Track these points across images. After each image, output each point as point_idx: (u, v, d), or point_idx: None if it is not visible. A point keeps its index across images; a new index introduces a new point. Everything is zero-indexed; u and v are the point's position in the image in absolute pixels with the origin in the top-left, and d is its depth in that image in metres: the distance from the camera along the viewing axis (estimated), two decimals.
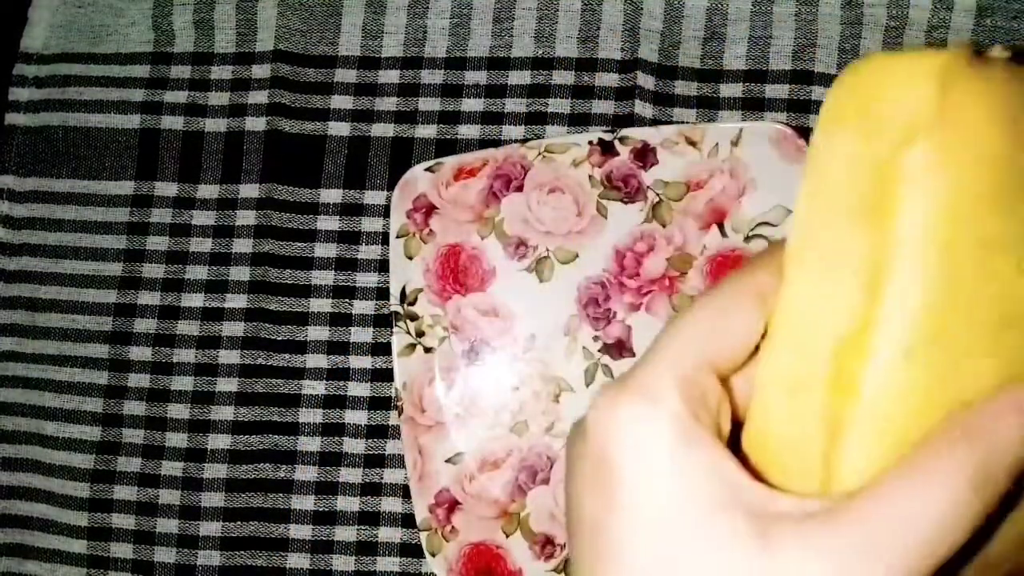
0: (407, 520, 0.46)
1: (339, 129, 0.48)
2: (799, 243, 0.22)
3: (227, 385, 0.47)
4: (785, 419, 0.22)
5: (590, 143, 0.46)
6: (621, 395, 0.22)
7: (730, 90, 0.47)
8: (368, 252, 0.48)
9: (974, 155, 0.20)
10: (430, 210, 0.46)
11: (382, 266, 0.47)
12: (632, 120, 0.47)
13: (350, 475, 0.47)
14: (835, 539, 0.20)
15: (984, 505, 0.20)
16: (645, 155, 0.45)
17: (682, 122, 0.47)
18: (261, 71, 0.49)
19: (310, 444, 0.47)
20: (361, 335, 0.47)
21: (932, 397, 0.20)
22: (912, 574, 0.19)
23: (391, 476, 0.47)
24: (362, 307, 0.47)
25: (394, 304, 0.46)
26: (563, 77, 0.48)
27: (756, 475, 0.23)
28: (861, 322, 0.20)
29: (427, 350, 0.46)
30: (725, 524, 0.20)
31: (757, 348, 0.24)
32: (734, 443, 0.24)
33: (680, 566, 0.20)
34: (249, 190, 0.48)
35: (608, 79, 0.47)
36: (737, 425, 0.24)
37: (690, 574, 0.20)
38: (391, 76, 0.48)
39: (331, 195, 0.48)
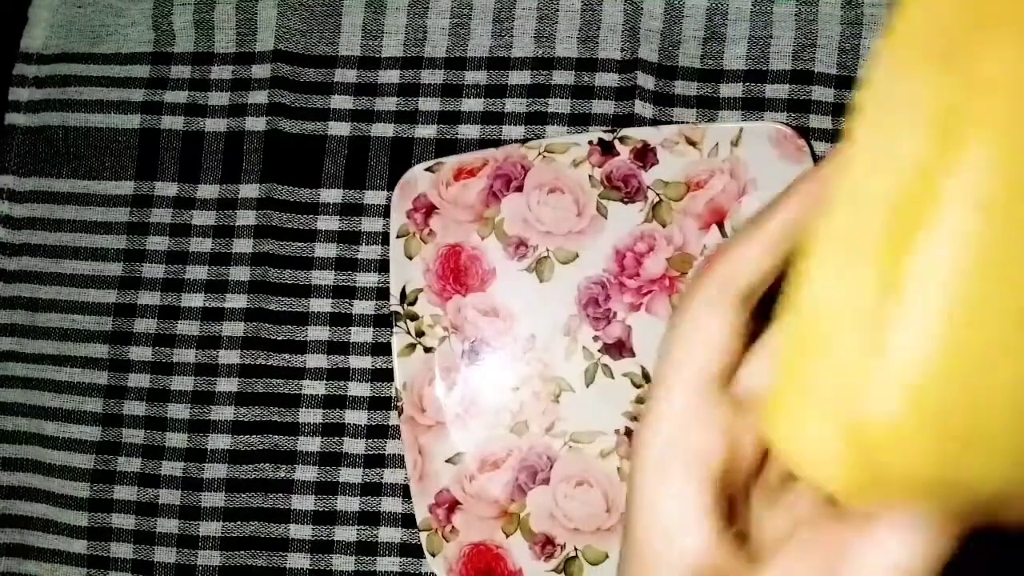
0: (407, 520, 0.46)
1: (339, 129, 0.48)
2: (868, 97, 0.19)
3: (227, 385, 0.47)
4: (836, 285, 0.20)
5: (590, 143, 0.46)
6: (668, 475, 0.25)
7: (730, 90, 0.47)
8: (368, 252, 0.48)
9: None
10: (430, 210, 0.46)
11: (382, 266, 0.47)
12: (632, 120, 0.47)
13: (350, 475, 0.47)
14: None
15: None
16: (645, 155, 0.45)
17: (682, 122, 0.47)
18: (261, 71, 0.49)
19: (310, 444, 0.47)
20: (361, 335, 0.47)
21: (1000, 260, 0.18)
22: None
23: (391, 476, 0.47)
24: (362, 307, 0.47)
25: (394, 304, 0.46)
26: (563, 77, 0.48)
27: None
28: (931, 175, 0.18)
29: (427, 350, 0.46)
30: None
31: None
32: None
33: None
34: (249, 190, 0.48)
35: (608, 79, 0.47)
36: None
37: None
38: (391, 76, 0.48)
39: (331, 195, 0.48)
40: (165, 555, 0.47)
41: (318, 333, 0.47)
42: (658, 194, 0.45)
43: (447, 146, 0.48)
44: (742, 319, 0.27)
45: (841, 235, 0.19)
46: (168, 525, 0.47)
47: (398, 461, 0.47)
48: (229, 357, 0.48)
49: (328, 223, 0.48)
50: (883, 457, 0.19)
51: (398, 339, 0.46)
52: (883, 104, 0.19)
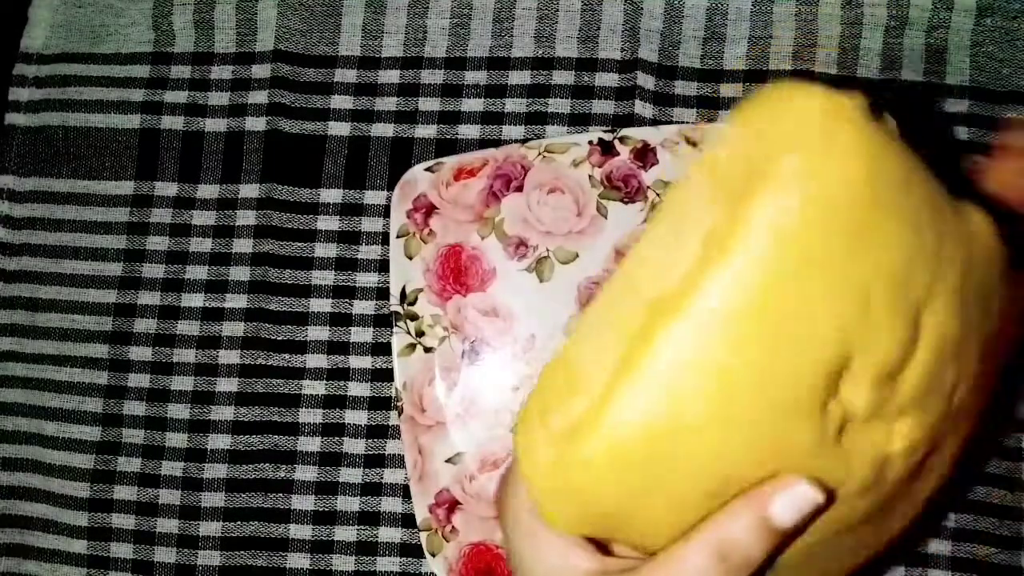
0: (407, 520, 0.46)
1: (339, 129, 0.48)
2: (667, 202, 0.25)
3: (227, 385, 0.47)
4: (592, 345, 0.24)
5: (590, 143, 0.46)
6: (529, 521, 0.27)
7: (730, 90, 0.47)
8: (368, 252, 0.48)
9: (838, 179, 0.22)
10: (430, 210, 0.46)
11: (382, 266, 0.47)
12: (632, 120, 0.47)
13: (350, 475, 0.47)
14: None
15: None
16: (645, 155, 0.45)
17: (682, 122, 0.47)
18: (261, 71, 0.49)
19: (310, 444, 0.47)
20: (361, 335, 0.47)
21: (718, 374, 0.22)
22: None
23: (391, 476, 0.47)
24: (362, 307, 0.47)
25: (394, 304, 0.46)
26: (563, 77, 0.48)
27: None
28: (688, 276, 0.22)
29: (427, 350, 0.46)
30: None
31: None
32: None
33: None
34: (249, 190, 0.48)
35: (608, 79, 0.47)
36: None
37: None
38: (391, 76, 0.48)
39: (331, 195, 0.48)
40: (165, 555, 0.47)
41: (318, 333, 0.47)
42: (658, 194, 0.45)
43: (447, 146, 0.48)
44: None
45: (610, 306, 0.24)
46: (168, 525, 0.47)
47: (398, 461, 0.46)
48: (229, 357, 0.48)
49: (328, 223, 0.48)
50: (576, 482, 0.24)
51: (398, 339, 0.46)
52: (674, 215, 0.24)
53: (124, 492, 0.47)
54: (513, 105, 0.48)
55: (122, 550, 0.47)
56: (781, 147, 0.22)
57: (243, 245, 0.48)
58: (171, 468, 0.47)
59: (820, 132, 0.22)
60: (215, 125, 0.49)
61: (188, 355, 0.48)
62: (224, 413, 0.47)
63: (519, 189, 0.46)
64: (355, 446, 0.47)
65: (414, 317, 0.46)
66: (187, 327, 0.48)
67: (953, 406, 0.26)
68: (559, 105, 0.47)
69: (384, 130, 0.48)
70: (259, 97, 0.49)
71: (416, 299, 0.46)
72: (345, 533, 0.46)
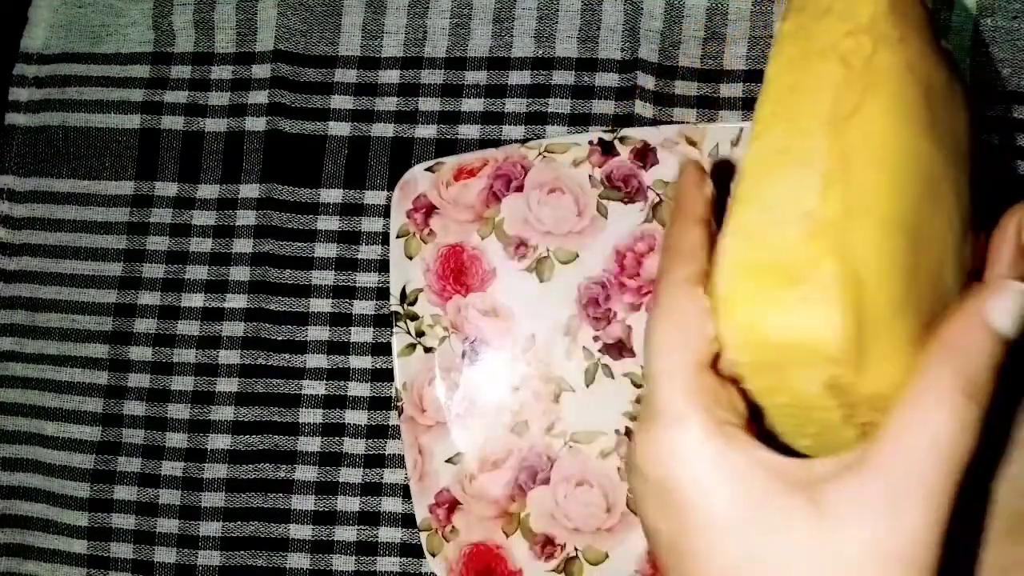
0: (407, 520, 0.46)
1: (339, 129, 0.48)
2: (764, 131, 0.25)
3: (227, 385, 0.47)
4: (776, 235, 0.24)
5: (590, 143, 0.46)
6: (658, 434, 0.24)
7: (730, 90, 0.47)
8: (368, 252, 0.48)
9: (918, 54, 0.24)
10: (430, 210, 0.46)
11: (382, 266, 0.47)
12: (632, 120, 0.47)
13: (350, 475, 0.47)
14: (874, 484, 0.22)
15: (980, 407, 0.22)
16: (645, 155, 0.45)
17: (682, 122, 0.47)
18: (261, 71, 0.49)
19: (310, 444, 0.47)
20: (361, 335, 0.47)
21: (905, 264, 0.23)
22: (946, 488, 0.22)
23: (391, 476, 0.47)
24: (362, 307, 0.47)
25: (394, 304, 0.46)
26: (563, 77, 0.48)
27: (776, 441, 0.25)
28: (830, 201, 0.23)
29: (427, 350, 0.46)
30: (780, 507, 0.23)
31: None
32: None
33: (758, 558, 0.23)
34: (249, 190, 0.48)
35: (608, 79, 0.47)
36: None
37: (769, 561, 0.23)
38: (391, 76, 0.48)
39: (331, 195, 0.48)
40: (165, 555, 0.47)
41: (318, 333, 0.47)
42: (658, 194, 0.45)
43: (447, 146, 0.48)
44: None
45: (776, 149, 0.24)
46: (168, 525, 0.47)
47: (398, 461, 0.46)
48: (229, 357, 0.48)
49: (328, 223, 0.48)
50: (870, 292, 0.22)
51: (398, 339, 0.46)
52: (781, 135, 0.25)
53: (124, 492, 0.47)
54: (513, 105, 0.48)
55: (122, 550, 0.47)
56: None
57: (243, 245, 0.48)
58: (171, 468, 0.47)
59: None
60: (215, 125, 0.49)
61: (188, 355, 0.48)
62: (224, 413, 0.47)
63: (519, 189, 0.46)
64: (355, 446, 0.47)
65: (414, 317, 0.46)
66: (187, 327, 0.48)
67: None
68: (559, 105, 0.47)
69: (384, 130, 0.48)
70: (259, 97, 0.49)
71: (416, 299, 0.46)
72: (345, 533, 0.46)
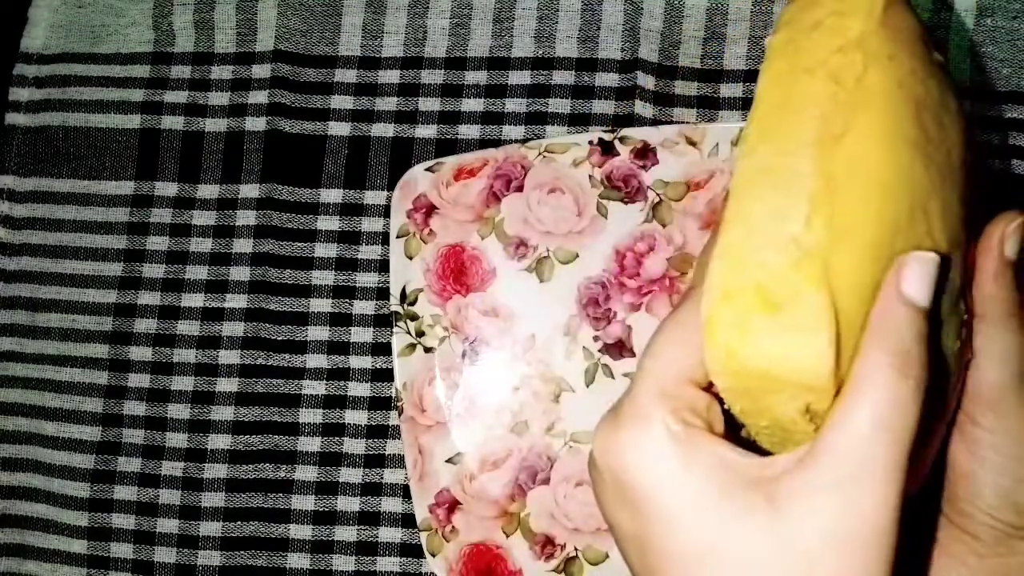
0: (407, 520, 0.46)
1: (339, 129, 0.48)
2: (749, 165, 0.24)
3: (227, 385, 0.47)
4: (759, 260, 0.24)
5: (590, 143, 0.46)
6: (618, 427, 0.25)
7: (730, 90, 0.47)
8: (368, 252, 0.48)
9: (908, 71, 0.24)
10: (430, 210, 0.46)
11: (382, 266, 0.47)
12: (632, 120, 0.47)
13: (350, 475, 0.47)
14: (824, 472, 0.23)
15: (914, 379, 0.23)
16: (645, 155, 0.45)
17: (682, 122, 0.47)
18: (261, 71, 0.49)
19: (310, 444, 0.47)
20: (361, 335, 0.47)
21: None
22: (894, 465, 0.22)
23: (391, 476, 0.47)
24: (362, 307, 0.47)
25: (394, 304, 0.46)
26: (563, 77, 0.48)
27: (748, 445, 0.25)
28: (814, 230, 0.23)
29: (427, 350, 0.46)
30: (739, 503, 0.23)
31: None
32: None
33: (718, 551, 0.23)
34: (249, 190, 0.48)
35: (608, 79, 0.47)
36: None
37: (728, 555, 0.23)
38: (391, 76, 0.48)
39: (331, 195, 0.48)
40: (165, 555, 0.47)
41: (318, 333, 0.47)
42: (658, 194, 0.45)
43: (447, 146, 0.48)
44: None
45: (763, 171, 0.24)
46: (168, 525, 0.47)
47: (398, 461, 0.46)
48: (229, 357, 0.48)
49: (328, 223, 0.48)
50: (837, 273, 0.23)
51: (398, 339, 0.46)
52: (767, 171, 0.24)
53: (124, 492, 0.47)
54: (513, 105, 0.48)
55: (122, 550, 0.47)
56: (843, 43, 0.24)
57: (243, 245, 0.48)
58: (171, 468, 0.47)
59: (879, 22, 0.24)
60: (215, 125, 0.49)
61: (188, 355, 0.48)
62: (224, 413, 0.47)
63: (519, 189, 0.46)
64: (355, 446, 0.47)
65: (414, 317, 0.46)
66: (187, 327, 0.48)
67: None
68: (559, 105, 0.47)
69: (384, 130, 0.48)
70: (259, 97, 0.49)
71: (416, 299, 0.46)
72: (345, 533, 0.46)
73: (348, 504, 0.47)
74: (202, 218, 0.48)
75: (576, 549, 0.45)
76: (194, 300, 0.48)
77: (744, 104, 0.47)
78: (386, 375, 0.47)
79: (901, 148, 0.24)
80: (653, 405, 0.24)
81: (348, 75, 0.49)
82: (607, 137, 0.45)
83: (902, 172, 0.24)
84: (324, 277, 0.48)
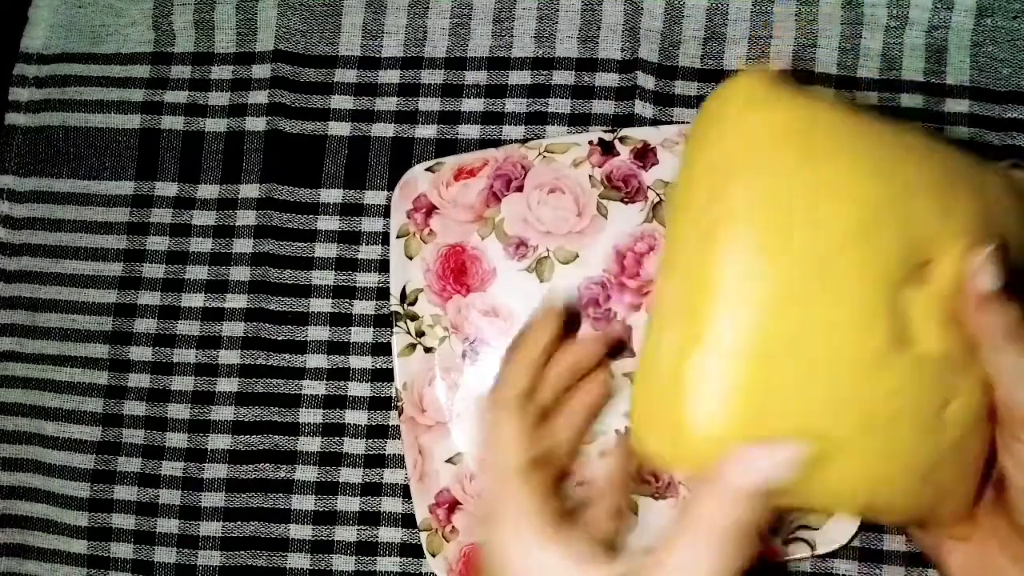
0: (407, 520, 0.46)
1: (339, 129, 0.48)
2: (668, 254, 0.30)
3: (227, 385, 0.47)
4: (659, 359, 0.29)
5: (590, 143, 0.46)
6: (485, 526, 0.32)
7: None
8: (368, 252, 0.48)
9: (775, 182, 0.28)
10: (430, 210, 0.46)
11: (382, 266, 0.47)
12: (632, 120, 0.47)
13: (350, 475, 0.47)
14: None
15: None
16: (645, 155, 0.45)
17: (682, 122, 0.47)
18: (261, 71, 0.49)
19: (310, 444, 0.47)
20: (361, 335, 0.47)
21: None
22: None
23: (391, 476, 0.47)
24: (362, 307, 0.47)
25: (394, 304, 0.46)
26: (563, 77, 0.48)
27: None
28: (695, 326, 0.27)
29: (427, 350, 0.46)
30: None
31: None
32: None
33: None
34: (249, 190, 0.48)
35: (608, 79, 0.47)
36: None
37: None
38: (391, 76, 0.48)
39: (331, 195, 0.48)
40: (165, 555, 0.47)
41: (318, 333, 0.47)
42: (658, 194, 0.45)
43: (447, 146, 0.48)
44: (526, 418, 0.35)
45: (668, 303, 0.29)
46: (168, 525, 0.47)
47: (398, 461, 0.46)
48: (229, 357, 0.48)
49: (328, 223, 0.48)
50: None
51: (398, 339, 0.46)
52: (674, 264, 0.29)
53: (124, 492, 0.47)
54: (513, 105, 0.48)
55: (122, 550, 0.47)
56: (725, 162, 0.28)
57: (243, 245, 0.48)
58: (171, 468, 0.47)
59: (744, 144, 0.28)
60: (215, 125, 0.49)
61: (188, 355, 0.48)
62: (224, 413, 0.47)
63: (519, 189, 0.46)
64: (355, 446, 0.47)
65: (414, 317, 0.46)
66: (187, 327, 0.48)
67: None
68: (559, 105, 0.47)
69: (384, 130, 0.48)
70: (259, 97, 0.49)
71: (416, 299, 0.46)
72: (345, 533, 0.46)
73: (348, 504, 0.47)
74: (202, 218, 0.48)
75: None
76: (194, 300, 0.48)
77: None
78: (386, 375, 0.47)
79: (765, 252, 0.28)
80: (504, 506, 0.32)
81: (348, 75, 0.49)
82: (607, 137, 0.45)
83: (766, 275, 0.27)
84: (324, 277, 0.48)
